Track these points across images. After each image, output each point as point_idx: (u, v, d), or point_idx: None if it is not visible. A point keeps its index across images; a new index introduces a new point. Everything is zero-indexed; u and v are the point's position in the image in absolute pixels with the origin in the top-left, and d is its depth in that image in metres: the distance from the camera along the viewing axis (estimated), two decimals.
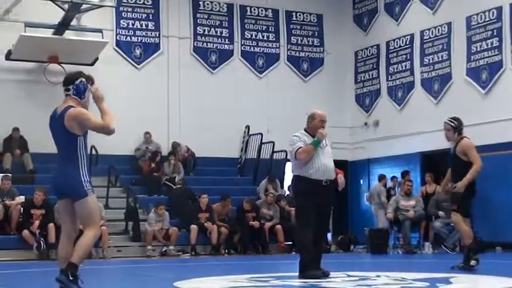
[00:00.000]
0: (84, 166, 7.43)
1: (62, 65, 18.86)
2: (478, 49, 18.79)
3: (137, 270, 13.15)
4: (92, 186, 7.40)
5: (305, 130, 9.83)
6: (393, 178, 19.59)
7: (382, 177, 19.42)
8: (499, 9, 18.27)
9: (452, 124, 10.70)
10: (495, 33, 18.38)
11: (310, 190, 9.34)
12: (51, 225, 15.87)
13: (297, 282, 9.15)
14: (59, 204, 7.58)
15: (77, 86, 7.61)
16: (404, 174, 18.57)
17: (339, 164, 20.54)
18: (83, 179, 7.28)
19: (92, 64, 19.27)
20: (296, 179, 9.63)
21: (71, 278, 7.08)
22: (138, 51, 20.70)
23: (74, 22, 18.54)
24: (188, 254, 17.08)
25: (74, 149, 7.43)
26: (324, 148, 9.66)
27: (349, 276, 9.89)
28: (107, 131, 7.59)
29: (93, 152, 18.75)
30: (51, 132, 7.65)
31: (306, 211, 9.44)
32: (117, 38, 20.43)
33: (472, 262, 10.21)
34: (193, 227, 17.21)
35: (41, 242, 15.73)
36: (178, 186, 18.99)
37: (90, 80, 7.77)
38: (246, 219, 17.59)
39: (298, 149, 9.50)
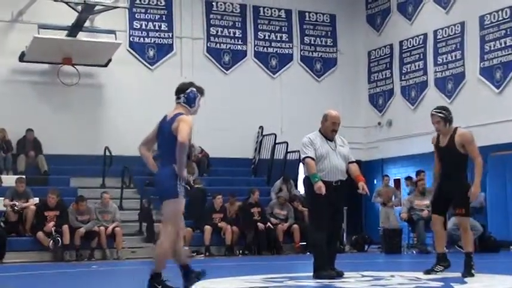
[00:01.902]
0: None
1: (76, 66, 18.93)
2: (492, 48, 18.71)
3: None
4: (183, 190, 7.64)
5: (319, 131, 9.77)
6: (408, 178, 19.49)
7: (384, 177, 19.45)
8: None
9: (441, 115, 9.68)
10: (508, 33, 18.30)
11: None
12: (65, 226, 15.92)
13: (311, 282, 9.11)
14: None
15: (188, 94, 8.03)
16: (419, 173, 18.48)
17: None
18: (178, 182, 7.58)
19: (106, 65, 19.33)
20: (308, 180, 9.59)
21: (158, 287, 7.53)
22: (151, 52, 20.73)
23: (87, 23, 18.58)
24: (202, 255, 17.07)
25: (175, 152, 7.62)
26: (336, 149, 9.62)
27: (363, 276, 9.85)
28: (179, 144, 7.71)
29: (107, 153, 18.78)
30: (159, 136, 8.19)
31: (318, 212, 9.41)
32: (131, 39, 20.47)
33: (473, 271, 9.35)
34: (207, 228, 17.20)
35: (58, 239, 15.72)
36: (196, 186, 18.95)
37: (200, 91, 8.14)
38: (251, 215, 17.48)
39: (305, 157, 9.50)
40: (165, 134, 7.92)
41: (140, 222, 17.67)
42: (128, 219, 17.49)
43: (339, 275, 9.44)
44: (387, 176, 19.77)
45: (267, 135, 21.12)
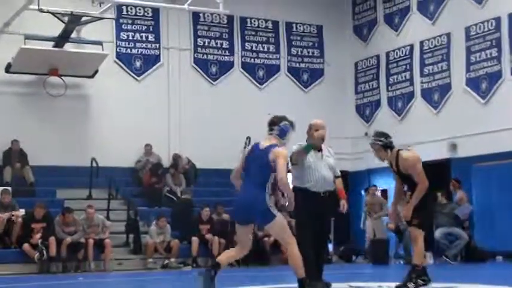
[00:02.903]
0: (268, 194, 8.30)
1: (62, 77, 18.92)
2: (477, 59, 18.84)
3: (138, 283, 13.14)
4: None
5: (306, 141, 9.81)
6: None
7: (371, 187, 19.53)
8: (498, 20, 18.32)
9: (380, 142, 9.40)
10: (494, 44, 18.43)
11: (309, 202, 9.30)
12: (52, 238, 15.89)
13: None
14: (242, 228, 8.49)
15: (281, 128, 8.55)
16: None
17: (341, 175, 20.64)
18: (270, 205, 8.26)
19: (92, 76, 19.33)
20: (295, 190, 9.60)
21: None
22: (138, 63, 20.74)
23: (74, 34, 18.58)
24: (190, 266, 17.07)
25: (266, 180, 8.30)
26: (323, 160, 9.59)
27: (351, 287, 9.88)
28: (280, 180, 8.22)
29: (94, 164, 18.76)
30: (248, 163, 8.57)
31: (306, 223, 9.42)
32: (117, 50, 20.48)
33: (411, 285, 9.03)
34: (195, 239, 17.22)
35: (43, 251, 15.70)
36: (184, 197, 18.95)
37: (292, 125, 8.66)
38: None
39: (293, 151, 9.52)
40: (258, 161, 8.41)
41: (127, 234, 17.65)
42: (115, 231, 17.45)
43: (327, 286, 9.45)
44: (375, 186, 19.82)
45: None
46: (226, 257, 8.59)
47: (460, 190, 17.76)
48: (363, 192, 19.95)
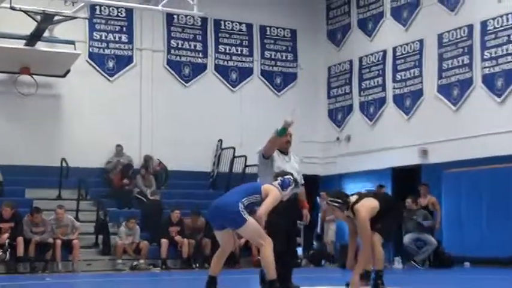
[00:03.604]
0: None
1: (34, 76, 18.79)
2: (449, 66, 18.98)
3: (107, 284, 13.08)
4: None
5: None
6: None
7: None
8: (470, 27, 18.47)
9: (336, 204, 9.40)
10: (466, 51, 18.58)
11: (277, 205, 9.30)
12: (20, 238, 15.78)
13: None
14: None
15: (284, 179, 8.89)
16: (379, 187, 18.57)
17: (311, 179, 20.72)
18: (241, 210, 8.45)
19: (64, 76, 19.23)
20: None
21: None
22: (111, 64, 20.66)
23: (46, 33, 18.43)
24: (159, 268, 17.03)
25: (244, 196, 8.60)
26: (290, 163, 9.65)
27: None
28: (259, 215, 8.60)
29: (64, 164, 18.66)
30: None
31: (275, 226, 9.41)
32: (90, 50, 20.39)
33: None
34: (164, 241, 17.17)
35: (7, 252, 15.59)
36: (153, 198, 18.91)
37: (296, 183, 9.05)
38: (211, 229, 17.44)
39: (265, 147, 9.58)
40: (249, 185, 9.12)
41: (96, 235, 17.57)
42: (84, 232, 17.36)
43: None
44: (324, 192, 19.70)
45: (226, 148, 21.15)
46: (215, 267, 8.82)
47: (430, 195, 17.85)
48: (318, 198, 19.92)
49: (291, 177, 8.93)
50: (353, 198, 9.43)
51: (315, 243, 20.10)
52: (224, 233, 8.73)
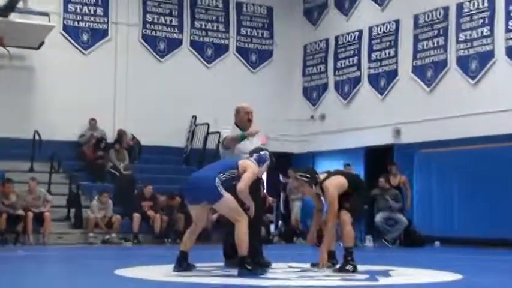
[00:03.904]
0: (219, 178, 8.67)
1: (7, 47, 18.57)
2: (425, 47, 19.06)
3: (78, 258, 13.06)
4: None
5: (235, 124, 10.04)
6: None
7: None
8: (446, 9, 18.54)
9: (305, 179, 9.42)
10: (441, 33, 18.66)
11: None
12: None
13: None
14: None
15: (260, 155, 8.98)
16: (346, 166, 18.64)
17: (284, 157, 20.79)
18: (218, 185, 8.56)
19: (38, 48, 19.04)
20: None
21: (249, 268, 8.45)
22: (85, 37, 20.50)
23: (20, 4, 18.22)
24: (130, 242, 17.03)
25: (221, 172, 8.69)
26: (251, 141, 9.79)
27: (290, 267, 9.96)
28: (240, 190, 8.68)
29: (36, 137, 18.55)
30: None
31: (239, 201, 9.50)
32: (64, 22, 20.21)
33: (349, 267, 9.15)
34: (136, 215, 17.16)
35: None
36: (126, 173, 18.86)
37: (272, 159, 9.09)
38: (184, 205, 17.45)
39: (226, 136, 9.85)
40: (225, 161, 9.29)
41: (68, 208, 17.52)
42: (56, 205, 17.29)
43: (266, 265, 9.53)
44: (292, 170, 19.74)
45: (200, 124, 21.12)
46: (187, 242, 8.94)
47: (400, 174, 17.93)
48: (280, 177, 19.98)
49: (267, 152, 9.03)
50: (322, 176, 9.48)
51: (280, 222, 20.18)
52: (199, 207, 8.78)
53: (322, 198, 9.60)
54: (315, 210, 9.90)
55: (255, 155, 8.96)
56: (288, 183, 19.28)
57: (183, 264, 8.87)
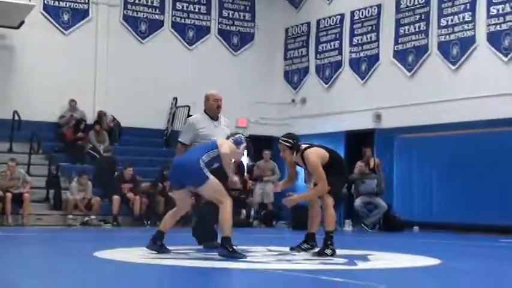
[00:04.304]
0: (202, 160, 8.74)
1: None
2: (406, 32, 19.08)
3: (57, 239, 13.02)
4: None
5: (204, 111, 10.14)
6: None
7: (265, 152, 19.71)
8: None
9: (287, 144, 9.34)
10: (423, 18, 18.69)
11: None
12: None
13: (216, 255, 9.18)
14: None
15: (236, 138, 9.12)
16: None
17: (265, 140, 20.78)
18: (202, 167, 8.63)
19: (18, 27, 18.90)
20: None
21: (230, 250, 8.43)
22: (66, 17, 20.34)
23: None
24: (110, 224, 17.00)
25: (204, 152, 8.79)
26: (219, 127, 9.95)
27: (269, 251, 9.98)
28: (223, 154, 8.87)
29: (16, 117, 18.43)
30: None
31: None
32: (45, 1, 20.05)
33: (328, 251, 9.14)
34: (116, 198, 17.12)
35: None
36: (106, 155, 18.80)
37: (247, 142, 9.29)
38: (164, 188, 17.45)
39: (178, 141, 10.10)
40: (203, 143, 9.26)
41: (47, 190, 17.44)
42: (35, 186, 17.22)
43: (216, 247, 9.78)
44: (267, 151, 19.76)
45: (180, 106, 21.06)
46: (167, 223, 9.06)
47: (373, 157, 17.98)
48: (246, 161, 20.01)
49: (241, 135, 9.20)
50: (303, 146, 9.49)
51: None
52: (183, 192, 8.83)
53: (298, 168, 9.64)
54: (287, 177, 10.00)
55: (230, 139, 9.08)
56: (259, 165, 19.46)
57: (157, 243, 8.92)
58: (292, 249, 9.69)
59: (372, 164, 17.75)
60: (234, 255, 8.42)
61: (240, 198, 18.73)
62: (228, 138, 9.16)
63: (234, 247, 8.52)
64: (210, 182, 8.57)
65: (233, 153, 8.99)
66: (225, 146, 8.83)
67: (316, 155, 9.33)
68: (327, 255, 9.10)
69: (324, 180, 9.15)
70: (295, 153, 9.39)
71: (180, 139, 10.10)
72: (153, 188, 17.65)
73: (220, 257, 8.43)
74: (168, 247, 9.01)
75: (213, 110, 10.06)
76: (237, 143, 9.05)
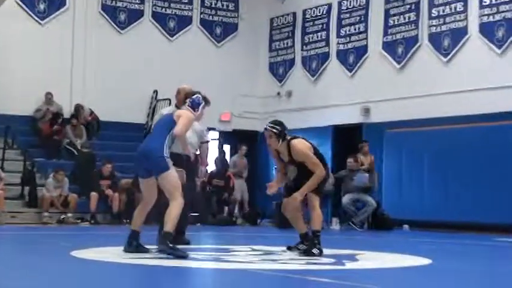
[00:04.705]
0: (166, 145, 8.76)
1: None
2: (395, 23, 19.06)
3: (32, 238, 12.95)
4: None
5: (175, 105, 10.43)
6: None
7: (241, 147, 19.83)
8: None
9: (275, 130, 9.35)
10: (413, 8, 18.68)
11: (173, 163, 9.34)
12: None
13: (201, 254, 9.14)
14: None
15: (193, 100, 9.04)
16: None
17: (250, 134, 20.76)
18: (165, 155, 8.65)
19: None
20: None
21: (171, 245, 8.38)
22: (42, 6, 20.20)
23: None
24: (87, 222, 16.93)
25: (165, 136, 8.77)
26: (193, 134, 10.23)
27: (253, 250, 9.95)
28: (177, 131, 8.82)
29: None
30: (155, 127, 9.41)
31: None
32: None
33: (315, 251, 9.17)
34: (94, 195, 17.05)
35: None
36: (85, 150, 18.70)
37: (206, 100, 9.16)
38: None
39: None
40: (162, 122, 9.06)
41: (22, 186, 17.34)
42: (10, 182, 17.12)
43: (187, 243, 10.15)
44: (244, 147, 19.79)
45: (161, 100, 20.95)
46: (137, 220, 8.99)
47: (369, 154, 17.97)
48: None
49: (199, 95, 9.13)
50: (289, 137, 9.51)
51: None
52: (149, 181, 8.78)
53: (283, 158, 9.53)
54: (277, 171, 10.02)
55: (187, 101, 9.07)
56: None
57: (133, 243, 8.88)
58: (289, 248, 9.61)
59: (367, 160, 17.67)
60: (174, 252, 8.37)
61: (223, 194, 18.72)
62: (185, 100, 9.17)
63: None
64: (169, 173, 8.60)
65: (190, 123, 8.94)
66: (179, 127, 8.73)
67: (303, 143, 9.41)
68: (314, 254, 9.09)
69: (319, 165, 9.23)
70: (280, 141, 9.36)
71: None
72: (133, 185, 17.56)
73: (161, 253, 8.40)
74: (146, 246, 8.95)
75: (183, 104, 10.12)
76: (194, 105, 9.03)
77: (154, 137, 8.89)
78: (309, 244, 9.30)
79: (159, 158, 8.55)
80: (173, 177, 8.63)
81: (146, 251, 8.90)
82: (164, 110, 10.54)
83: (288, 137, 9.46)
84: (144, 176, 8.78)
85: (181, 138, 8.93)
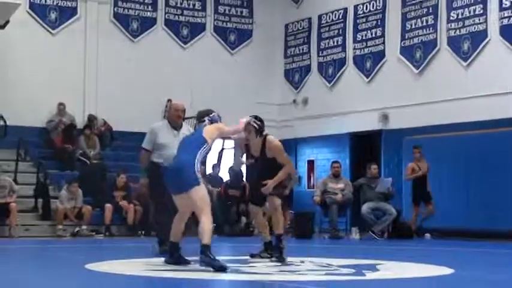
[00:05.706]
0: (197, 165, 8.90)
1: None
2: (413, 27, 19.05)
3: (46, 251, 13.00)
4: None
5: (167, 119, 10.97)
6: None
7: None
8: None
9: (256, 126, 9.85)
10: (431, 11, 18.66)
11: (161, 175, 9.57)
12: None
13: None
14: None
15: (211, 118, 9.28)
16: (334, 162, 18.46)
17: None
18: (197, 171, 8.78)
19: (3, 27, 18.82)
20: (152, 163, 10.67)
21: (212, 257, 8.47)
22: (53, 15, 20.33)
23: None
24: (102, 235, 16.95)
25: (196, 154, 8.87)
26: (177, 137, 10.24)
27: (272, 261, 9.95)
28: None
29: (1, 122, 18.41)
30: (180, 145, 9.30)
31: (158, 196, 10.31)
32: (31, 0, 20.03)
33: (284, 254, 9.73)
34: (108, 206, 17.08)
35: None
36: (94, 161, 18.77)
37: (219, 116, 9.42)
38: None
39: (141, 148, 10.84)
40: (190, 140, 9.17)
41: (36, 198, 17.41)
42: (23, 195, 17.19)
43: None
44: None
45: None
46: (176, 231, 9.10)
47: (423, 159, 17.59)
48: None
49: (215, 113, 9.39)
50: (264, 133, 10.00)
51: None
52: (182, 196, 8.85)
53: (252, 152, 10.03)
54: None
55: (206, 119, 9.25)
56: None
57: (174, 255, 9.05)
58: (252, 256, 10.08)
59: (424, 167, 17.31)
60: (215, 263, 8.43)
61: (239, 205, 18.71)
62: (202, 118, 9.32)
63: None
64: (199, 189, 8.69)
65: (221, 127, 9.21)
66: (225, 129, 9.18)
67: (278, 141, 10.08)
68: (284, 259, 9.54)
69: (290, 162, 10.10)
70: (258, 137, 9.86)
71: (143, 145, 10.74)
72: (150, 197, 17.59)
73: (203, 265, 8.44)
74: (187, 258, 9.06)
75: (173, 119, 10.76)
76: (214, 121, 9.26)
77: (186, 153, 8.95)
78: (278, 250, 9.75)
79: (191, 174, 8.66)
80: (203, 192, 8.74)
81: (187, 262, 9.01)
82: (156, 126, 10.85)
83: (264, 134, 9.96)
84: (175, 192, 8.89)
85: (237, 133, 9.45)
